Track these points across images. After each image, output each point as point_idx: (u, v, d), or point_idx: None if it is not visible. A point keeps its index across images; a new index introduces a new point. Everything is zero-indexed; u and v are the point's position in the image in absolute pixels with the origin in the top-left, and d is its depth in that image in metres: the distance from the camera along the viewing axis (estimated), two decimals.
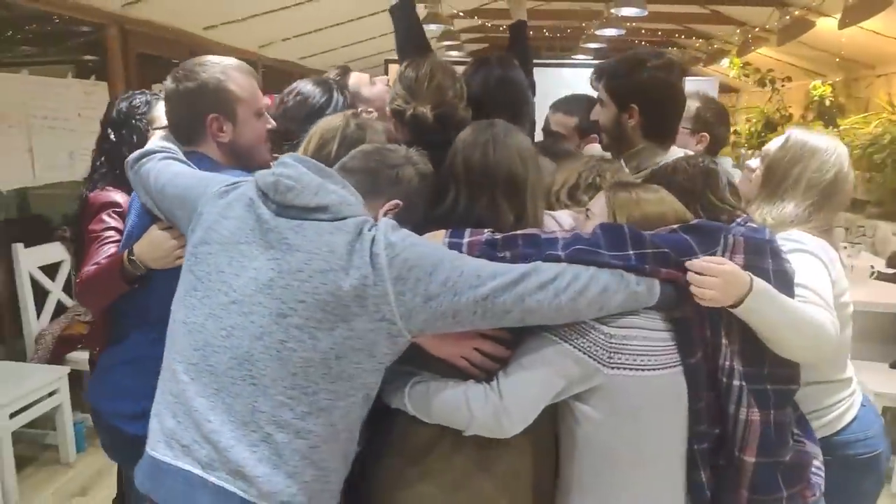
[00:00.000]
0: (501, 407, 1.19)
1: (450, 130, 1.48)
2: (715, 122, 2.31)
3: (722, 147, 2.49)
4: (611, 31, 5.97)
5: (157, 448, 1.16)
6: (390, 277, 1.12)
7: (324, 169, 1.23)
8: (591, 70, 1.90)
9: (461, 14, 6.81)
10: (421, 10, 5.78)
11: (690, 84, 5.77)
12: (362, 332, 1.13)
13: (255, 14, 5.20)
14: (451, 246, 1.23)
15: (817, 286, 1.39)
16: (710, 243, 1.25)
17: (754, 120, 8.04)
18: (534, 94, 2.21)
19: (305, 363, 1.13)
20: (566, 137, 2.39)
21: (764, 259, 1.29)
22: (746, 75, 8.25)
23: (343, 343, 1.13)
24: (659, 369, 1.24)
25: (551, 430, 1.33)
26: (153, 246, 1.46)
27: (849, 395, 1.58)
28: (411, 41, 2.13)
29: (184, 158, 1.50)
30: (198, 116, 1.50)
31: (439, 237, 1.26)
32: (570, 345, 1.21)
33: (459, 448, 1.25)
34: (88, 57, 4.46)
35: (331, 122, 1.49)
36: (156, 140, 1.57)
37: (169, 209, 1.40)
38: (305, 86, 1.86)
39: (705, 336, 1.27)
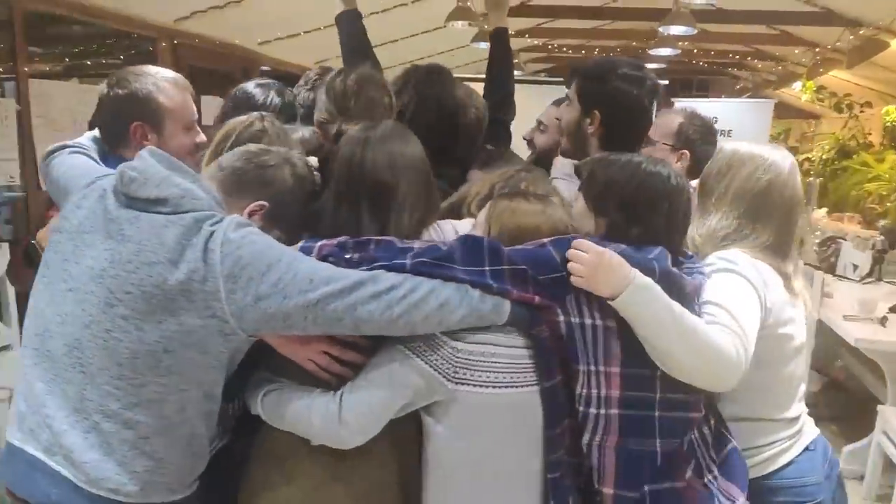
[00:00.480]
0: (339, 418, 1.16)
1: None
2: (699, 139, 2.15)
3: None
4: (665, 51, 5.79)
5: (10, 431, 1.18)
6: (222, 274, 1.10)
7: (175, 163, 1.21)
8: None
9: (511, 33, 6.79)
10: (469, 29, 5.84)
11: (741, 105, 5.58)
12: (192, 328, 1.11)
13: (311, 29, 5.37)
14: (304, 248, 1.19)
15: (733, 307, 1.27)
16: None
17: (827, 147, 7.61)
18: (510, 106, 2.15)
19: (132, 354, 1.12)
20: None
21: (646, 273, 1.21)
22: (821, 99, 7.84)
23: (171, 337, 1.11)
24: (509, 387, 1.18)
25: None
26: (49, 231, 1.45)
27: (788, 437, 1.43)
28: (356, 51, 2.14)
29: (93, 155, 1.52)
30: (123, 123, 1.52)
31: None
32: (419, 358, 1.17)
33: (317, 456, 1.22)
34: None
35: (239, 120, 1.47)
36: (81, 138, 1.60)
37: (58, 198, 1.45)
38: (247, 86, 1.88)
39: (565, 361, 1.20)
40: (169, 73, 1.59)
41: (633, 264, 1.18)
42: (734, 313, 1.26)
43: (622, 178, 1.31)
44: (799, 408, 1.48)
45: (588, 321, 1.18)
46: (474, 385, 1.17)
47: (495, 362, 1.17)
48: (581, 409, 1.20)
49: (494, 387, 1.18)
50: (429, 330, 1.15)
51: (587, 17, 6.52)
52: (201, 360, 1.15)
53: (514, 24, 6.73)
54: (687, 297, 1.25)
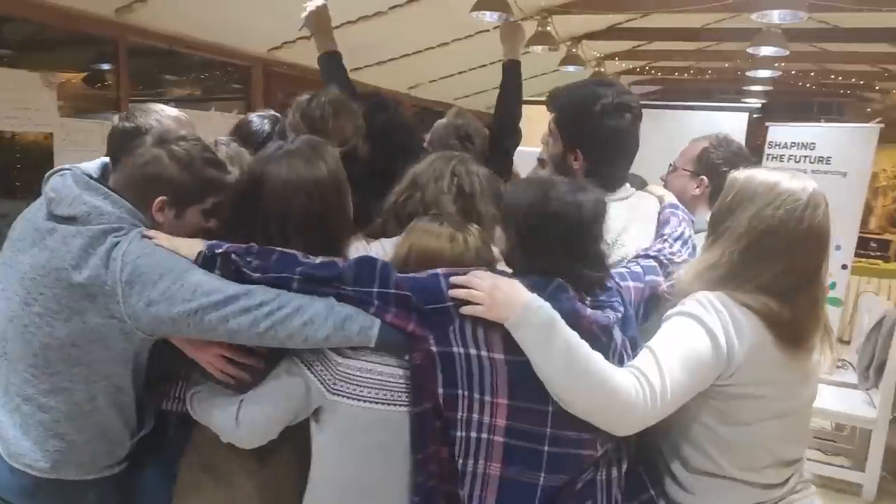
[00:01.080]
0: (236, 421, 1.26)
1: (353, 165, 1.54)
2: (722, 165, 1.97)
3: None
4: (764, 73, 5.47)
5: None
6: (121, 280, 1.23)
7: (89, 183, 1.33)
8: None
9: (598, 54, 6.68)
10: (561, 50, 5.83)
11: (839, 130, 5.10)
12: (94, 326, 1.26)
13: (400, 56, 5.60)
14: (212, 245, 1.28)
15: (662, 354, 1.20)
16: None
17: None
18: (516, 133, 2.15)
19: (44, 346, 1.28)
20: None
21: None
22: None
23: (78, 333, 1.26)
24: (382, 404, 1.22)
25: None
26: None
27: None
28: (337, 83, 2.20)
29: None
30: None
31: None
32: (306, 367, 1.25)
33: (235, 449, 1.32)
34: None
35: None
36: (90, 163, 1.75)
37: None
38: (251, 115, 2.02)
39: (436, 390, 1.20)
40: (173, 112, 1.76)
41: None
42: (660, 359, 1.19)
43: (523, 203, 1.29)
44: (783, 474, 1.34)
45: (472, 351, 1.19)
46: (349, 398, 1.24)
47: (371, 379, 1.22)
48: (460, 433, 1.19)
49: (367, 401, 1.23)
50: (297, 345, 1.22)
51: (685, 38, 6.29)
52: (106, 355, 1.29)
53: (606, 48, 6.64)
54: (585, 333, 1.21)
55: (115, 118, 1.80)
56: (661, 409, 1.18)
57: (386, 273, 1.22)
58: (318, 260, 1.26)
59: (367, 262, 1.25)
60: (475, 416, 1.19)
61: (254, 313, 1.19)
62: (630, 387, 1.17)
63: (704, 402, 1.26)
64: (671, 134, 5.99)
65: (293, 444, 1.32)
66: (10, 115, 3.08)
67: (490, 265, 1.32)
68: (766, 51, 4.42)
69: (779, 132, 4.94)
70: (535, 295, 1.18)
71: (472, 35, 5.22)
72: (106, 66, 3.92)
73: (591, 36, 6.14)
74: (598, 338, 1.24)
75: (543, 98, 6.07)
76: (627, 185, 1.75)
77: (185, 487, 1.39)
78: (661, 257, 1.54)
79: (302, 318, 1.19)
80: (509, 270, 1.32)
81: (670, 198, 1.81)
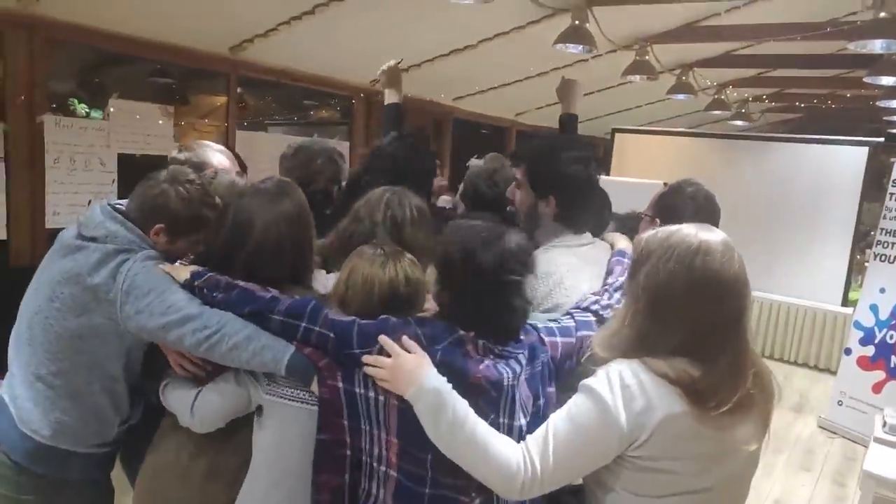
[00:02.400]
0: (191, 410, 1.49)
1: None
2: (674, 208, 2.00)
3: None
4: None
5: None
6: (121, 290, 1.50)
7: (111, 213, 1.60)
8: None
9: (711, 82, 6.38)
10: (667, 77, 5.68)
11: None
12: (97, 324, 1.54)
13: (501, 85, 5.74)
14: (196, 273, 1.50)
15: (553, 430, 1.21)
16: (370, 342, 1.30)
17: None
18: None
19: (58, 336, 1.56)
20: None
21: None
22: None
23: (84, 328, 1.54)
24: (311, 404, 1.39)
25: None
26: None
27: None
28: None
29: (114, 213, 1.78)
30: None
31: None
32: (248, 371, 1.46)
33: (190, 433, 1.55)
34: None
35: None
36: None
37: None
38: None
39: (341, 421, 1.32)
40: (219, 147, 2.10)
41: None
42: (549, 436, 1.22)
43: (449, 249, 1.36)
44: None
45: (371, 394, 1.31)
46: (282, 397, 1.43)
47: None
48: (365, 458, 1.31)
49: (298, 401, 1.41)
50: (231, 364, 1.44)
51: (810, 66, 5.88)
52: (103, 349, 1.57)
53: (723, 75, 6.34)
54: (472, 388, 1.27)
55: (175, 150, 2.11)
56: (546, 484, 1.21)
57: (315, 313, 1.38)
58: (269, 296, 1.44)
59: (302, 301, 1.41)
60: (376, 449, 1.31)
61: (197, 335, 1.43)
62: (512, 461, 1.21)
63: (620, 471, 1.24)
64: (780, 170, 5.66)
65: (245, 433, 1.51)
66: (134, 140, 3.59)
67: (418, 294, 1.43)
68: (887, 80, 4.05)
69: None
70: (428, 371, 1.25)
71: (572, 64, 5.24)
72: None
73: (705, 63, 5.92)
74: (486, 391, 1.28)
75: (639, 128, 5.98)
76: (586, 234, 1.82)
77: (159, 433, 1.64)
78: (598, 309, 1.54)
79: (229, 344, 1.41)
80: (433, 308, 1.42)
81: (622, 244, 1.82)
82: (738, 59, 5.78)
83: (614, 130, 5.68)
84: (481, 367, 1.29)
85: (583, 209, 1.78)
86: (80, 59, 4.73)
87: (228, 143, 4.16)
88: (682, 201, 2.02)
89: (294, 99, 5.36)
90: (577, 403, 1.23)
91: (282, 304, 1.41)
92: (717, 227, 1.98)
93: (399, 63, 2.69)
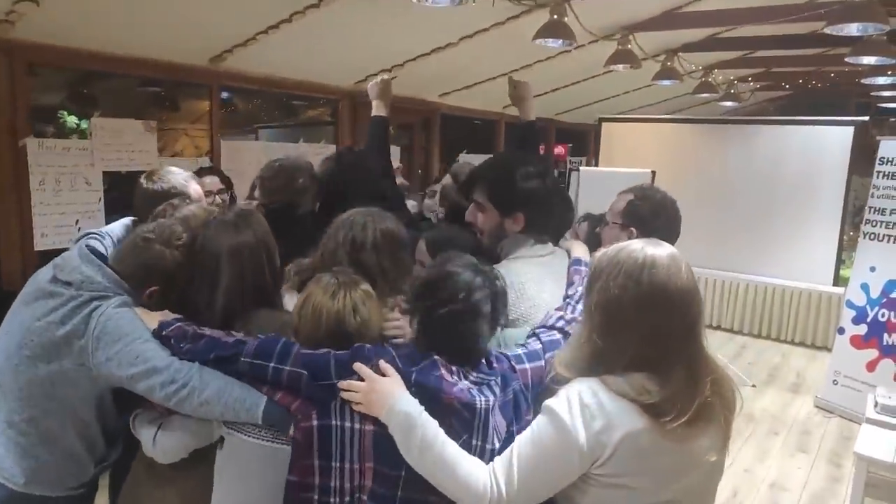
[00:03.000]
0: (153, 442, 1.52)
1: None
2: (648, 216, 2.05)
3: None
4: (883, 80, 4.98)
5: None
6: (92, 336, 1.50)
7: (89, 257, 1.60)
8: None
9: (696, 67, 6.37)
10: (652, 63, 5.67)
11: None
12: (68, 370, 1.54)
13: (487, 79, 5.73)
14: (164, 324, 1.51)
15: (517, 452, 1.25)
16: (347, 371, 1.33)
17: None
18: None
19: (29, 383, 1.55)
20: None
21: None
22: None
23: (55, 375, 1.54)
24: (271, 441, 1.41)
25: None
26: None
27: None
28: (374, 150, 2.57)
29: (106, 243, 1.82)
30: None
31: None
32: None
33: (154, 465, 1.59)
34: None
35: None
36: (115, 224, 1.96)
37: None
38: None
39: (311, 463, 1.33)
40: (185, 174, 2.09)
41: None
42: (514, 458, 1.25)
43: (420, 280, 1.42)
44: None
45: (347, 424, 1.33)
46: (242, 432, 1.45)
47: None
48: (333, 500, 1.33)
49: (257, 437, 1.43)
50: (204, 417, 1.46)
51: (792, 46, 5.87)
52: (75, 395, 1.57)
53: (708, 59, 6.33)
54: (446, 408, 1.30)
55: (142, 178, 2.10)
56: (509, 502, 1.25)
57: (285, 351, 1.38)
58: (233, 339, 1.45)
59: (269, 340, 1.41)
60: (346, 483, 1.34)
61: (166, 390, 1.43)
62: (480, 482, 1.25)
63: (587, 488, 1.26)
64: (768, 152, 5.67)
65: (209, 464, 1.53)
66: (119, 157, 3.60)
67: (367, 326, 1.45)
68: (868, 60, 4.05)
69: (891, 147, 4.49)
70: (401, 394, 1.29)
71: (555, 56, 5.24)
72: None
73: (689, 48, 5.91)
74: (459, 412, 1.32)
75: (626, 116, 6.01)
76: (548, 245, 1.85)
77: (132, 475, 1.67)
78: (564, 325, 1.57)
79: (199, 399, 1.42)
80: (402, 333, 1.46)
81: (578, 252, 1.85)
82: (721, 41, 5.77)
83: (600, 119, 5.68)
84: (455, 389, 1.33)
85: (549, 219, 1.83)
86: (68, 73, 4.73)
87: (213, 153, 4.17)
88: (656, 207, 2.07)
89: (282, 101, 5.36)
90: (538, 424, 1.26)
91: (249, 346, 1.41)
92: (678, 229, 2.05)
93: (392, 78, 2.73)
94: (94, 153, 3.47)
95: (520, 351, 1.51)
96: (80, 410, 1.59)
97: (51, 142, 3.34)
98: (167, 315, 1.56)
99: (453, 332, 1.36)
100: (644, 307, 1.22)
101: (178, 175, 2.08)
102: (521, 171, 1.78)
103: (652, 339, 1.22)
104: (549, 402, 1.26)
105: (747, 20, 4.81)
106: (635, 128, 5.88)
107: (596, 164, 5.70)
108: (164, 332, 1.49)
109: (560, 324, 1.57)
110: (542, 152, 8.18)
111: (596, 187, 4.31)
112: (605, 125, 5.64)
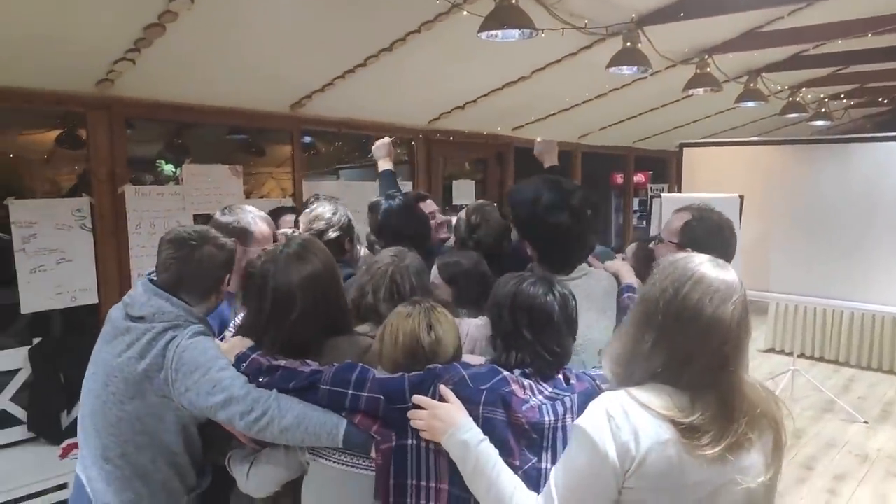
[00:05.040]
0: (247, 475, 1.58)
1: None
2: (704, 237, 1.94)
3: None
4: None
5: (77, 467, 1.74)
6: (171, 367, 1.55)
7: (156, 291, 1.65)
8: None
9: (781, 87, 6.08)
10: (734, 86, 5.47)
11: None
12: (152, 404, 1.59)
13: (560, 110, 5.70)
14: (242, 356, 1.55)
15: (559, 473, 1.21)
16: (422, 391, 1.36)
17: None
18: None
19: (118, 420, 1.60)
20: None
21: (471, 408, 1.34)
22: None
23: (141, 410, 1.58)
24: (355, 467, 1.44)
25: None
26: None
27: None
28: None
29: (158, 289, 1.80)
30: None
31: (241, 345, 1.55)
32: None
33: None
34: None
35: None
36: None
37: None
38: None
39: (387, 483, 1.36)
40: (261, 213, 2.20)
41: (464, 397, 1.33)
42: (552, 485, 1.22)
43: (499, 296, 1.48)
44: None
45: (423, 444, 1.35)
46: (326, 459, 1.48)
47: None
48: None
49: (341, 463, 1.45)
50: (286, 443, 1.47)
51: (890, 59, 5.52)
52: (162, 427, 1.62)
53: (794, 78, 6.06)
54: (515, 428, 1.31)
55: (217, 212, 2.23)
56: None
57: (362, 378, 1.42)
58: (309, 369, 1.48)
59: (346, 368, 1.45)
60: (422, 501, 1.35)
61: (246, 419, 1.46)
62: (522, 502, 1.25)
63: None
64: (867, 171, 5.29)
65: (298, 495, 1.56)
66: (208, 201, 3.80)
67: (440, 343, 1.47)
68: None
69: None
70: (461, 422, 1.31)
71: (630, 84, 5.17)
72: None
73: (774, 67, 5.67)
74: (528, 434, 1.32)
75: (709, 140, 5.78)
76: (581, 266, 1.85)
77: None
78: None
79: (280, 426, 1.44)
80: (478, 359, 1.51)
81: (627, 276, 1.83)
82: (808, 59, 5.51)
83: (681, 145, 5.49)
84: (524, 407, 1.34)
85: (561, 254, 1.81)
86: (164, 125, 5.10)
87: (295, 193, 4.33)
88: (713, 229, 2.01)
89: (361, 142, 5.53)
90: (570, 446, 1.24)
91: (326, 374, 1.45)
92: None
93: (392, 140, 3.13)
94: (184, 197, 3.68)
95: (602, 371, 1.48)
96: (168, 442, 1.64)
97: (146, 188, 3.57)
98: (244, 342, 1.60)
99: (538, 345, 1.41)
100: (671, 320, 1.18)
101: (249, 213, 2.18)
102: (541, 200, 1.78)
103: (680, 355, 1.17)
104: (578, 421, 1.22)
105: (835, 35, 4.57)
106: (719, 152, 5.65)
107: (679, 191, 5.49)
108: (240, 370, 1.53)
109: None
110: (619, 182, 8.18)
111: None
112: (686, 151, 5.44)
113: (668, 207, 4.74)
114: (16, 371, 3.28)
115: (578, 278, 1.81)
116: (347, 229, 2.46)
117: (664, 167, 8.88)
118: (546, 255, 1.81)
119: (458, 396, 1.34)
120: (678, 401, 1.16)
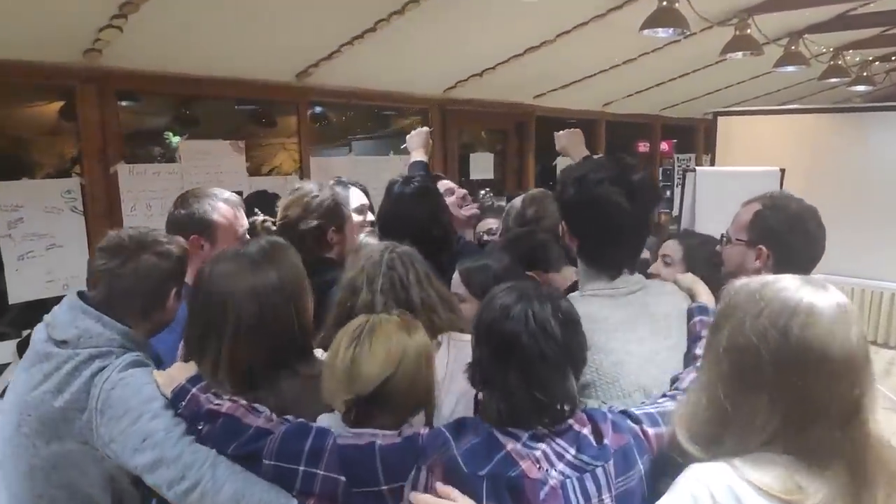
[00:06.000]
0: None
1: None
2: (785, 231, 1.58)
3: (803, 268, 1.54)
4: None
5: None
6: (95, 408, 1.26)
7: (84, 308, 1.36)
8: None
9: (825, 49, 5.64)
10: (773, 48, 5.06)
11: None
12: (70, 450, 1.28)
13: (584, 77, 5.34)
14: (182, 390, 1.24)
15: None
16: (400, 471, 1.07)
17: None
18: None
19: (30, 467, 1.31)
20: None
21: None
22: None
23: (58, 457, 1.29)
24: None
25: None
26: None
27: None
28: None
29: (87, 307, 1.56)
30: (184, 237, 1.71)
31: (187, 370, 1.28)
32: None
33: None
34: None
35: None
36: None
37: None
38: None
39: None
40: (224, 194, 1.85)
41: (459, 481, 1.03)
42: None
43: (485, 320, 1.14)
44: None
45: None
46: None
47: None
48: None
49: None
50: None
51: None
52: (84, 480, 1.32)
53: (838, 39, 5.63)
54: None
55: (172, 205, 1.91)
56: None
57: (317, 447, 1.12)
58: (255, 426, 1.19)
59: (297, 434, 1.16)
60: None
61: (174, 489, 1.19)
62: None
63: None
64: None
65: None
66: (207, 179, 3.54)
67: (399, 379, 1.18)
68: None
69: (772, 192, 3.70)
70: None
71: (661, 48, 4.79)
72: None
73: (817, 28, 5.25)
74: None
75: (745, 108, 5.36)
76: (634, 275, 1.47)
77: None
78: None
79: (213, 502, 1.16)
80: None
81: (703, 295, 1.46)
82: (855, 18, 5.08)
83: (716, 114, 5.11)
84: (543, 494, 1.02)
85: (612, 245, 1.42)
86: (172, 96, 4.85)
87: (302, 169, 4.06)
88: (791, 220, 1.61)
89: (374, 112, 5.24)
90: None
91: (274, 438, 1.16)
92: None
93: (430, 131, 2.82)
94: (183, 176, 3.43)
95: (650, 409, 1.18)
96: (92, 494, 1.34)
97: (141, 167, 3.31)
98: (185, 370, 1.30)
99: (525, 381, 1.08)
100: (790, 369, 0.91)
101: (207, 201, 1.86)
102: (584, 176, 1.42)
103: (799, 413, 0.90)
104: (665, 501, 0.94)
105: None
106: (757, 121, 5.26)
107: (711, 164, 5.12)
108: (178, 411, 1.25)
109: (677, 393, 1.24)
110: (642, 150, 7.79)
111: (716, 191, 3.80)
112: (721, 120, 5.06)
113: (705, 183, 4.41)
114: (5, 365, 3.09)
115: (634, 292, 1.44)
116: (331, 216, 1.99)
117: (690, 136, 8.47)
118: (590, 245, 1.43)
119: (446, 476, 1.04)
120: (798, 475, 0.89)
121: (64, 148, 3.54)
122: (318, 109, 5.62)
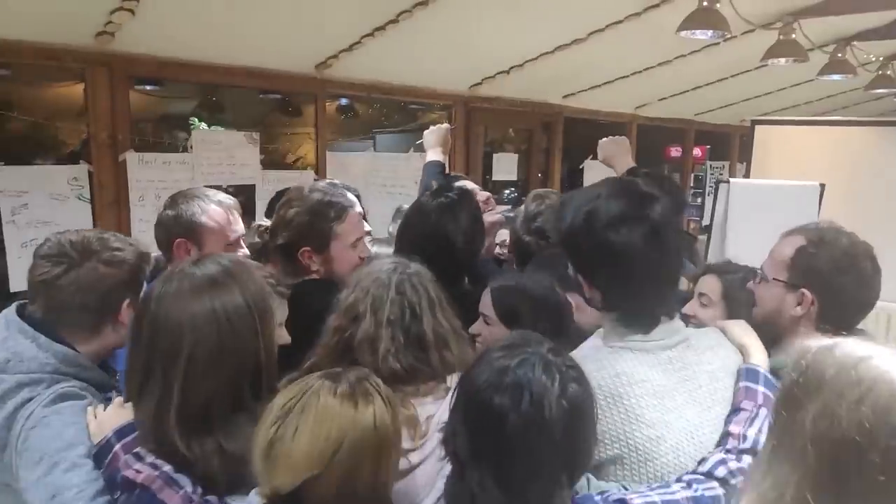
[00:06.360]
0: None
1: None
2: (831, 270, 1.34)
3: (853, 315, 1.38)
4: None
5: None
6: (16, 447, 1.10)
7: (21, 326, 1.20)
8: None
9: (874, 58, 5.35)
10: (817, 55, 4.80)
11: None
12: None
13: (618, 77, 5.15)
14: (106, 445, 1.09)
15: None
16: None
17: None
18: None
19: None
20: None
21: None
22: None
23: None
24: None
25: None
26: None
27: None
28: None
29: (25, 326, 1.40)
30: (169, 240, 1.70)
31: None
32: None
33: None
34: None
35: None
36: None
37: None
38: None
39: None
40: (219, 196, 1.72)
41: None
42: None
43: (475, 383, 0.94)
44: None
45: None
46: None
47: None
48: None
49: None
50: None
51: None
52: None
53: (887, 48, 5.35)
54: None
55: (162, 205, 1.80)
56: None
57: None
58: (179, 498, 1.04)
59: None
60: None
61: None
62: None
63: None
64: None
65: None
66: (220, 171, 3.44)
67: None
68: None
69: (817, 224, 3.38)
70: None
71: (700, 49, 4.58)
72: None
73: (867, 36, 4.98)
74: None
75: (786, 118, 5.05)
76: (674, 320, 1.23)
77: None
78: (727, 475, 1.04)
79: None
80: None
81: (757, 355, 1.23)
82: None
83: (753, 122, 4.86)
84: None
85: (637, 297, 1.17)
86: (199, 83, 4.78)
87: (318, 166, 3.94)
88: (842, 259, 1.36)
89: (401, 105, 5.10)
90: None
91: None
92: None
93: (453, 127, 2.66)
94: (194, 167, 3.32)
95: (656, 495, 1.00)
96: None
97: (150, 156, 3.21)
98: (119, 416, 1.12)
99: (499, 482, 0.89)
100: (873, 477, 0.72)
101: (196, 202, 1.73)
102: (600, 215, 1.16)
103: None
104: None
105: None
106: (797, 132, 4.99)
107: (746, 173, 4.88)
108: (104, 461, 1.10)
109: (722, 472, 1.06)
110: (673, 155, 7.49)
111: (751, 204, 3.58)
112: (758, 129, 4.81)
113: (739, 197, 4.16)
114: None
115: (672, 347, 1.19)
116: (304, 234, 1.69)
117: (725, 143, 8.19)
118: (613, 298, 1.19)
119: None
120: None
121: (72, 133, 3.48)
122: (343, 101, 5.50)
